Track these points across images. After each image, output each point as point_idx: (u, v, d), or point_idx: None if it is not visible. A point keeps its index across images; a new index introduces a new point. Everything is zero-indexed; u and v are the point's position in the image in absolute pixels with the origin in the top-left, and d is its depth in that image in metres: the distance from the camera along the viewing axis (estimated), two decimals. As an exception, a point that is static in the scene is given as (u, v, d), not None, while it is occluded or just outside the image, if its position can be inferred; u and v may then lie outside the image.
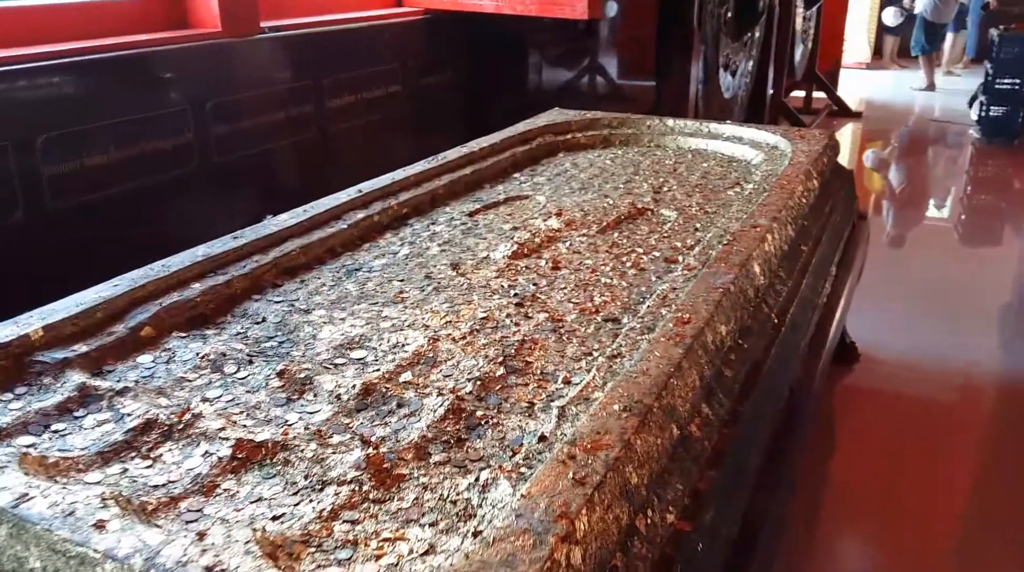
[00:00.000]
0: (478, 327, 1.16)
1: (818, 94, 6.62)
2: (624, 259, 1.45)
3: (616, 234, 1.59)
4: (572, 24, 3.07)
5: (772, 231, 1.44)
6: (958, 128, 6.32)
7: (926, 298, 3.14)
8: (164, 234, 1.78)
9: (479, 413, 0.94)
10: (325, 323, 1.18)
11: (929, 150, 6.03)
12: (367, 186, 1.67)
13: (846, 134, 6.25)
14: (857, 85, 8.22)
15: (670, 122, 2.37)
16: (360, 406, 0.96)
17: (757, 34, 4.21)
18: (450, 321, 1.18)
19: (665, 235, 1.58)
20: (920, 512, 1.95)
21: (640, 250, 1.49)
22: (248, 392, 1.00)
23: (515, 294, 1.29)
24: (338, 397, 0.98)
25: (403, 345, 1.11)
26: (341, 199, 1.60)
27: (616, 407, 0.85)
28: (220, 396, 0.99)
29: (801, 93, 6.56)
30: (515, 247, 1.49)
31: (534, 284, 1.33)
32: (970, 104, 6.62)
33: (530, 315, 1.21)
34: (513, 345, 1.11)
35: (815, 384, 1.52)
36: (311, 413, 0.95)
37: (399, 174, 1.79)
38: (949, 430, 2.28)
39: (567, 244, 1.53)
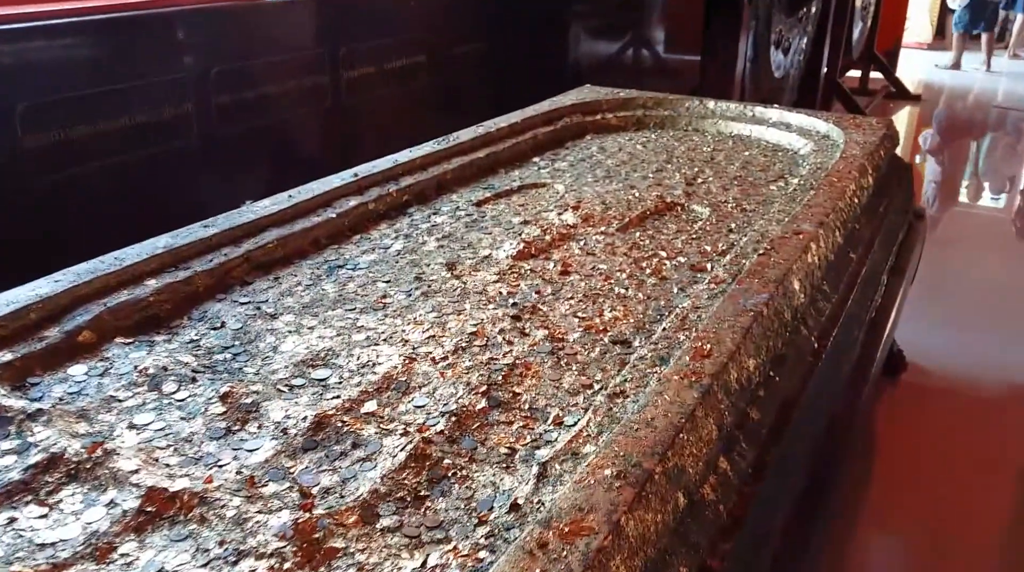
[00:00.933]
0: (464, 344, 1.00)
1: (876, 75, 6.28)
2: (644, 264, 1.27)
3: (639, 233, 1.41)
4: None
5: (817, 239, 1.25)
6: (1022, 115, 5.94)
7: (979, 299, 2.90)
8: (157, 214, 1.64)
9: (447, 461, 0.78)
10: (291, 332, 1.03)
11: (988, 137, 5.68)
12: (364, 169, 1.51)
13: (903, 118, 5.92)
14: (917, 66, 7.81)
15: (711, 104, 2.16)
16: (308, 444, 0.80)
17: (813, 9, 3.94)
18: (433, 336, 1.02)
19: (694, 236, 1.40)
20: (963, 544, 1.76)
21: (664, 254, 1.31)
22: (183, 419, 0.85)
23: (513, 304, 1.12)
24: (285, 431, 0.83)
25: (374, 365, 0.95)
26: (333, 184, 1.44)
27: (608, 472, 0.68)
28: (149, 423, 0.84)
29: (857, 73, 6.22)
30: (521, 246, 1.31)
31: (537, 292, 1.16)
32: (1039, 90, 6.22)
33: (527, 331, 1.04)
34: (502, 370, 0.94)
35: (858, 417, 1.34)
36: (249, 451, 0.80)
37: (403, 156, 1.62)
38: (1001, 453, 2.07)
39: (581, 243, 1.36)
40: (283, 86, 2.28)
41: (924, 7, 8.68)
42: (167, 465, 0.77)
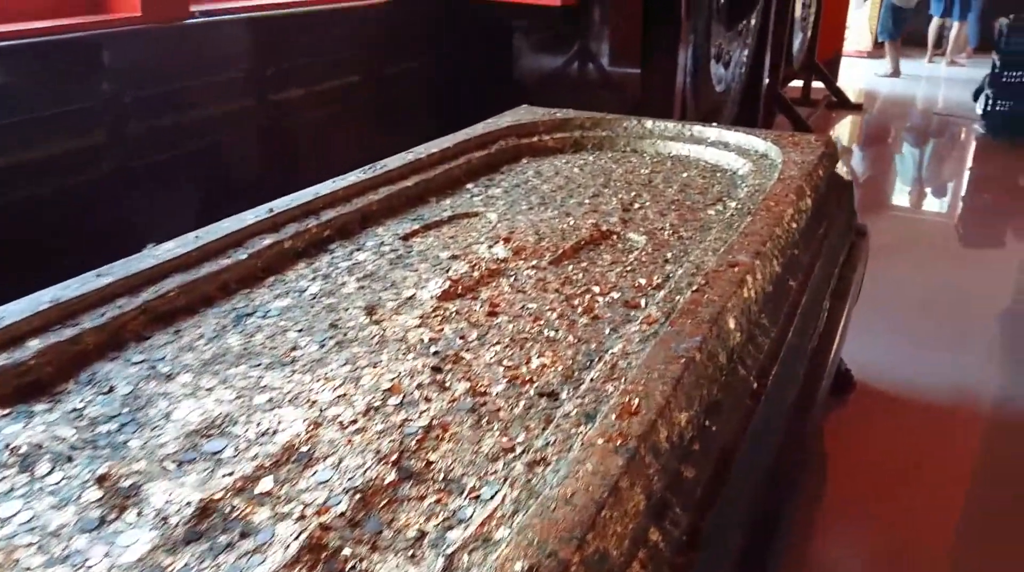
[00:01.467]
0: (378, 403, 0.92)
1: (818, 84, 6.35)
2: (576, 302, 1.20)
3: (572, 266, 1.35)
4: (551, 9, 2.81)
5: (754, 271, 1.20)
6: (962, 122, 6.06)
7: (926, 310, 2.90)
8: (73, 249, 1.53)
9: (346, 551, 0.70)
10: (186, 396, 0.94)
11: (931, 145, 5.78)
12: (281, 203, 1.42)
13: (845, 127, 5.99)
14: (858, 75, 7.95)
15: (649, 124, 2.12)
16: (191, 535, 0.72)
17: (753, 22, 3.94)
18: (344, 394, 0.94)
19: (629, 268, 1.34)
20: (918, 556, 1.73)
21: (597, 289, 1.25)
22: (54, 507, 0.76)
23: (435, 352, 1.04)
24: (166, 519, 0.74)
25: (274, 432, 0.87)
26: (246, 221, 1.35)
27: (519, 566, 0.61)
28: (14, 514, 0.75)
29: (800, 83, 6.29)
30: (448, 284, 1.24)
31: (461, 337, 1.09)
32: (975, 97, 6.36)
33: (447, 385, 0.96)
34: (416, 434, 0.86)
35: (804, 453, 1.29)
36: (124, 546, 0.71)
37: (325, 187, 1.53)
38: (949, 468, 2.05)
39: (512, 279, 1.29)
40: (205, 111, 2.17)
41: (863, 16, 8.84)
42: (27, 570, 0.68)
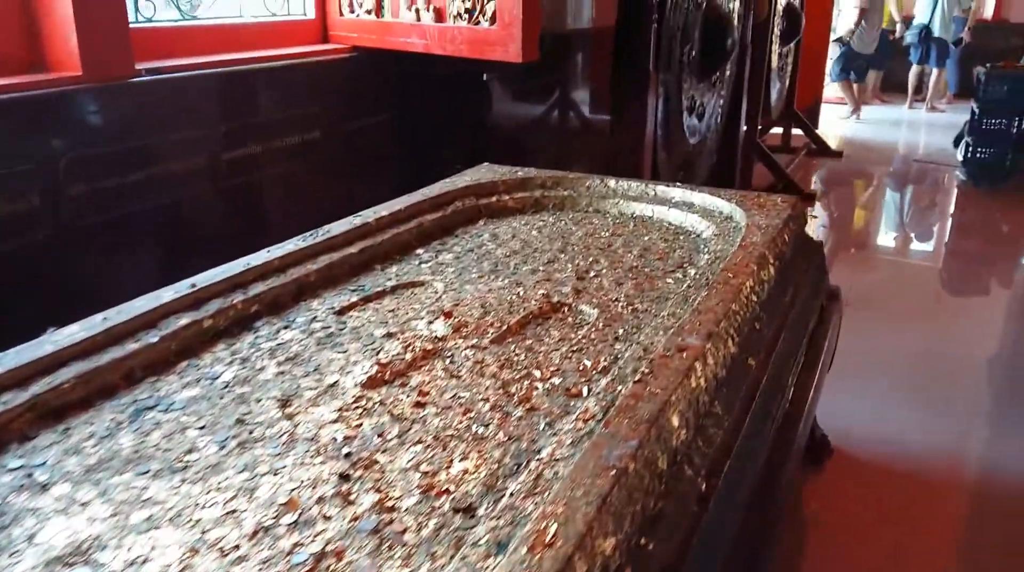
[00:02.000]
0: (270, 522, 0.82)
1: (799, 131, 6.35)
2: (514, 389, 1.11)
3: (515, 345, 1.25)
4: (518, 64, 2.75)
5: (704, 355, 1.10)
6: (943, 169, 6.06)
7: (910, 366, 2.82)
8: (10, 320, 1.43)
9: None
10: (58, 512, 0.84)
11: (912, 193, 5.75)
12: (205, 278, 1.33)
13: (825, 174, 5.98)
14: (839, 121, 7.99)
15: (612, 183, 2.05)
16: None
17: (728, 73, 3.92)
18: (234, 511, 0.84)
19: (576, 347, 1.24)
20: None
21: (538, 373, 1.15)
22: None
23: (347, 454, 0.94)
24: None
25: (144, 561, 0.76)
26: (163, 299, 1.25)
27: None
28: None
29: (781, 130, 6.29)
30: (375, 369, 1.14)
31: (380, 434, 0.99)
32: (956, 143, 6.37)
33: (353, 497, 0.86)
34: (305, 563, 0.76)
35: (767, 548, 1.18)
36: None
37: (258, 257, 1.44)
38: (933, 539, 1.94)
39: (448, 361, 1.19)
40: (157, 170, 2.09)
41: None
42: None
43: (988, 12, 9.86)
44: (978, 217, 5.14)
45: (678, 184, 2.03)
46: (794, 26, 5.30)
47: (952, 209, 5.36)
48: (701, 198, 1.93)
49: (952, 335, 3.18)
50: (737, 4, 3.86)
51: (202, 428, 1.00)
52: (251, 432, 0.99)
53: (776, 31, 5.02)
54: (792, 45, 5.60)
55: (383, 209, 1.76)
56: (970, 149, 5.48)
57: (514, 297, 1.44)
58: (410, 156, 3.05)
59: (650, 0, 2.66)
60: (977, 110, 5.40)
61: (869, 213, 5.25)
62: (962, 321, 3.43)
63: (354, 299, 1.42)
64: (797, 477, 2.01)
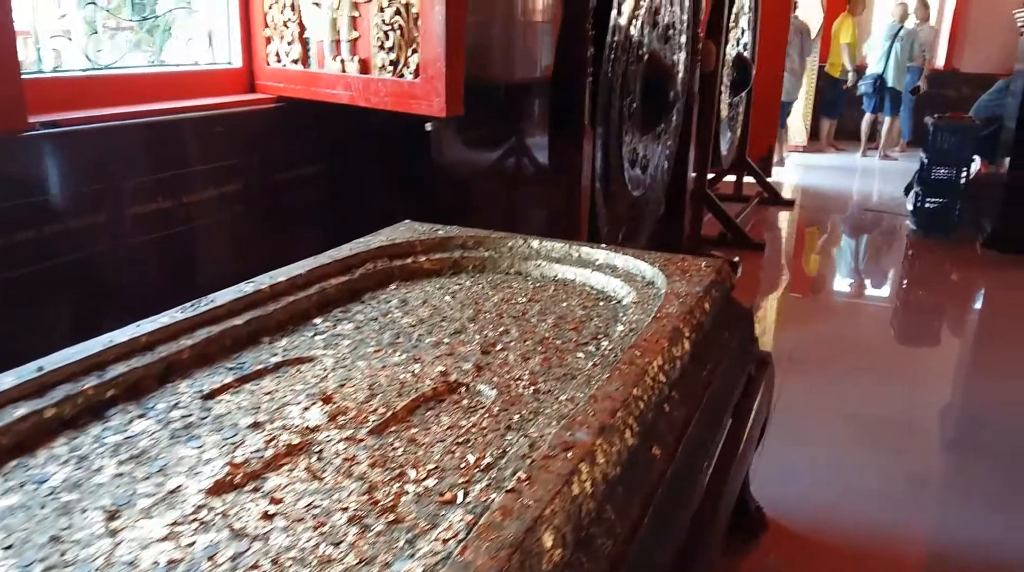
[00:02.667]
0: None
1: (752, 179, 6.37)
2: (381, 494, 0.99)
3: (396, 436, 1.14)
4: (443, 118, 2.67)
5: (593, 455, 0.99)
6: (894, 218, 6.09)
7: (854, 428, 2.73)
8: None
9: None
10: None
11: (862, 242, 5.76)
12: (55, 360, 1.20)
13: (777, 223, 5.98)
14: (793, 169, 8.06)
15: (535, 243, 1.96)
16: None
17: (674, 122, 3.89)
18: (5, 666, 0.70)
19: (463, 437, 1.13)
20: None
21: (413, 474, 1.03)
22: None
23: (166, 584, 0.81)
24: None
25: None
26: (3, 385, 1.12)
27: None
28: None
29: (734, 177, 6.30)
30: (226, 470, 1.02)
31: (211, 558, 0.86)
32: (906, 192, 6.43)
33: (156, 643, 0.73)
34: None
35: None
36: None
37: (124, 333, 1.31)
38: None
39: (315, 457, 1.07)
40: (44, 228, 1.95)
41: (797, 111, 9.05)
42: None
43: (940, 62, 10.11)
44: (928, 266, 5.15)
45: (602, 246, 1.94)
46: (744, 76, 5.33)
47: (902, 258, 5.36)
48: (624, 261, 1.84)
49: (901, 391, 3.12)
50: (683, 55, 3.85)
51: (8, 548, 0.86)
52: (63, 554, 0.86)
53: (725, 81, 5.04)
54: (743, 95, 5.63)
55: (281, 274, 1.65)
56: (920, 199, 5.52)
57: (408, 375, 1.32)
58: (345, 209, 2.94)
59: (585, 53, 2.61)
60: (926, 160, 5.45)
61: (819, 263, 5.23)
62: (912, 374, 3.37)
63: (229, 380, 1.29)
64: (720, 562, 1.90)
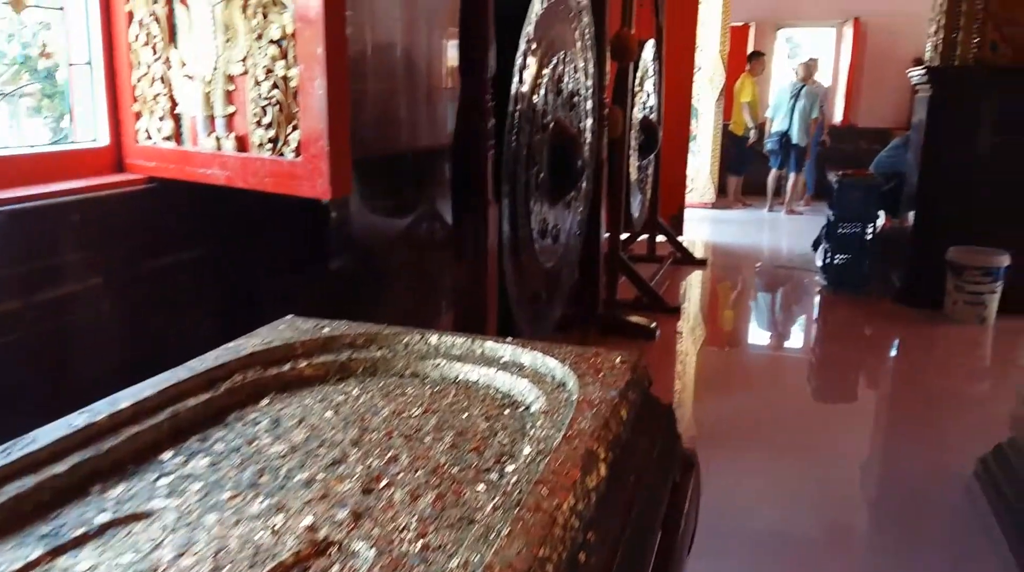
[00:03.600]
0: None
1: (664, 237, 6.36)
2: None
3: (241, 630, 0.89)
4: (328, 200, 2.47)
5: (486, 660, 0.78)
6: (805, 274, 6.15)
7: (771, 513, 2.59)
8: None
9: None
10: None
11: (775, 300, 5.77)
12: None
13: (689, 284, 5.95)
14: (703, 226, 8.14)
15: (434, 339, 1.75)
16: None
17: (583, 189, 3.78)
18: None
19: (328, 627, 0.89)
20: None
21: None
22: None
23: None
24: None
25: None
26: None
27: None
28: None
29: (646, 236, 6.27)
30: None
31: None
32: (814, 247, 6.52)
33: None
34: None
35: None
36: None
37: (-102, 503, 1.04)
38: None
39: None
40: None
41: (705, 169, 9.22)
42: None
43: (838, 118, 10.54)
44: (842, 323, 5.16)
45: (509, 340, 1.74)
46: (651, 139, 5.32)
47: (816, 316, 5.37)
48: (532, 358, 1.65)
49: (821, 461, 3.00)
50: (589, 122, 3.76)
51: None
52: None
53: (633, 144, 5.01)
54: (652, 157, 5.62)
55: (126, 397, 1.39)
56: (828, 255, 5.57)
57: (267, 533, 1.08)
58: (230, 299, 2.68)
59: (486, 125, 2.45)
60: (832, 217, 5.52)
61: (733, 323, 5.18)
62: (831, 437, 3.27)
63: (38, 553, 1.02)
64: None
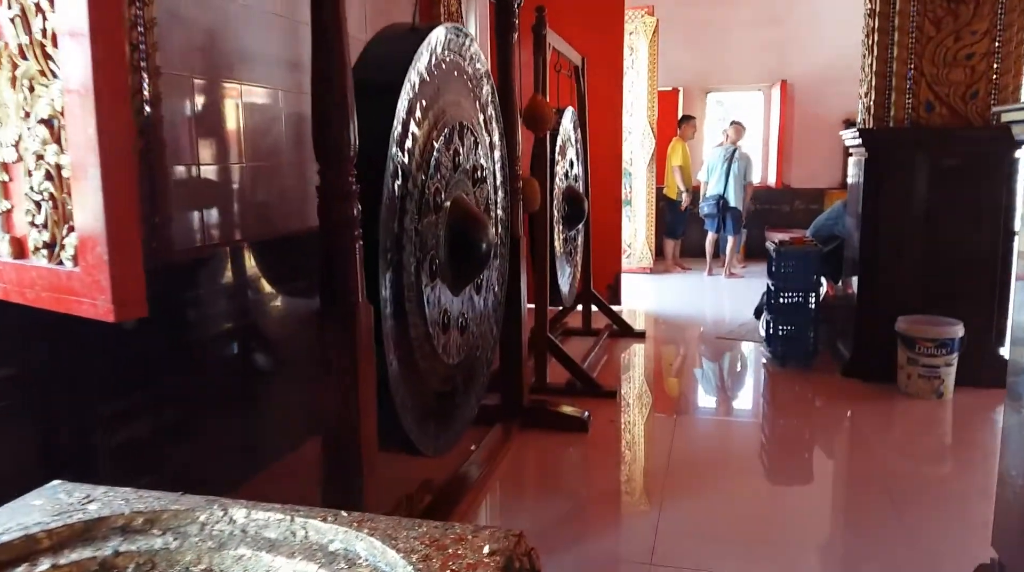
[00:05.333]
0: None
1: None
2: None
3: None
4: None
5: None
6: (749, 344, 5.80)
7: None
8: None
9: None
10: None
11: (719, 376, 5.37)
12: None
13: (628, 360, 5.54)
14: (642, 292, 7.81)
15: (240, 516, 1.27)
16: None
17: (496, 269, 3.36)
18: None
19: None
20: None
21: None
22: None
23: None
24: None
25: None
26: None
27: None
28: None
29: (581, 308, 5.88)
30: None
31: None
32: (757, 315, 6.21)
33: None
34: None
35: None
36: None
37: None
38: None
39: None
40: None
41: (641, 233, 8.95)
42: None
43: (771, 179, 10.45)
44: (791, 400, 4.78)
45: (344, 516, 1.27)
46: (577, 209, 4.97)
47: (763, 390, 5.00)
48: (369, 548, 1.17)
49: (780, 551, 2.56)
50: (500, 196, 3.37)
51: None
52: None
53: (557, 216, 4.64)
54: (580, 226, 5.27)
55: None
56: (771, 326, 5.24)
57: None
58: (49, 423, 2.16)
59: (351, 211, 2.02)
60: (772, 286, 5.20)
61: (676, 404, 4.75)
62: (787, 520, 2.83)
63: None
64: None
